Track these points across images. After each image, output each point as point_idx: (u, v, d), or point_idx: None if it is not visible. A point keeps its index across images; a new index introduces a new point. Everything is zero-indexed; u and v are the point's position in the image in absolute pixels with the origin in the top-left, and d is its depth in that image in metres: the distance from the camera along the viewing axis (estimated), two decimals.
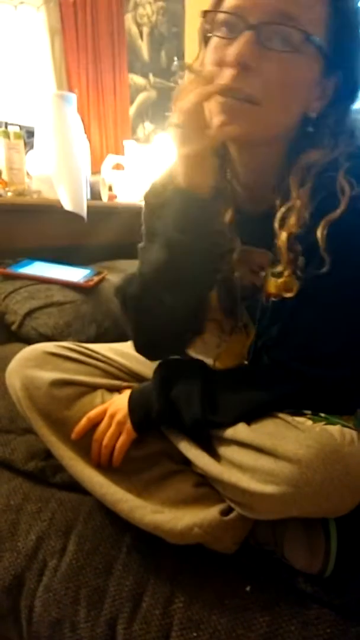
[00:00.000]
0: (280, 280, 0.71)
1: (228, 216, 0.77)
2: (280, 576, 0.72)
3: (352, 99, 0.70)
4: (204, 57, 0.69)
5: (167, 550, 0.75)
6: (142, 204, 0.88)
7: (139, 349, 0.82)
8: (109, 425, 0.80)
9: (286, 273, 0.70)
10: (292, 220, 0.68)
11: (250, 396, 0.72)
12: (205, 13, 0.68)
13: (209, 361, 0.86)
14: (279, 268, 0.70)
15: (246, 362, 0.83)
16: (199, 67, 0.70)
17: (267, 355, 0.78)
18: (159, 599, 0.72)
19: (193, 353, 0.87)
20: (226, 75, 0.63)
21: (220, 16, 0.65)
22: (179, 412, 0.75)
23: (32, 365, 0.83)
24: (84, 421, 0.81)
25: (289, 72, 0.63)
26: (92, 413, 0.82)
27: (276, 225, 0.70)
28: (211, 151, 0.67)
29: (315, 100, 0.68)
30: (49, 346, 0.88)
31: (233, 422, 0.70)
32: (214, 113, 0.64)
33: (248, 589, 0.71)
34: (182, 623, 0.69)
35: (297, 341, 0.73)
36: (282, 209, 0.69)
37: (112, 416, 0.81)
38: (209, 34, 0.67)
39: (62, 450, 0.79)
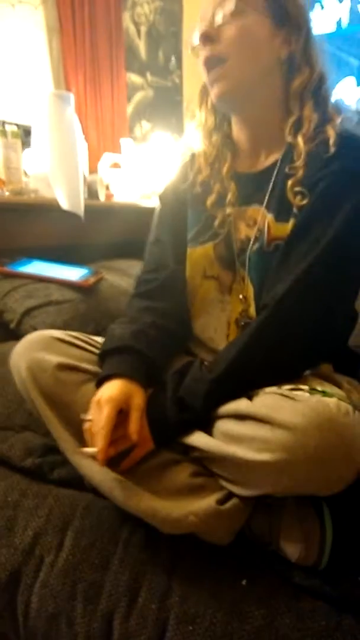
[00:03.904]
0: (283, 224, 0.81)
1: (225, 169, 0.91)
2: (275, 569, 0.72)
3: (308, 34, 0.84)
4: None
5: (164, 545, 0.76)
6: (156, 203, 1.04)
7: None
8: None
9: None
10: (306, 127, 0.82)
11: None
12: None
13: (222, 337, 0.91)
14: (297, 163, 0.80)
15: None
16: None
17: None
18: (155, 594, 0.72)
19: (206, 334, 0.93)
20: (202, 53, 0.83)
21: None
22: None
23: (39, 348, 0.83)
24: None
25: (241, 30, 0.80)
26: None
27: (289, 134, 0.83)
28: None
29: (280, 47, 0.83)
30: (56, 332, 0.88)
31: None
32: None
33: (244, 582, 0.72)
34: (179, 617, 0.70)
35: (291, 275, 0.75)
36: (293, 118, 0.83)
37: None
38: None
39: (60, 432, 0.79)
